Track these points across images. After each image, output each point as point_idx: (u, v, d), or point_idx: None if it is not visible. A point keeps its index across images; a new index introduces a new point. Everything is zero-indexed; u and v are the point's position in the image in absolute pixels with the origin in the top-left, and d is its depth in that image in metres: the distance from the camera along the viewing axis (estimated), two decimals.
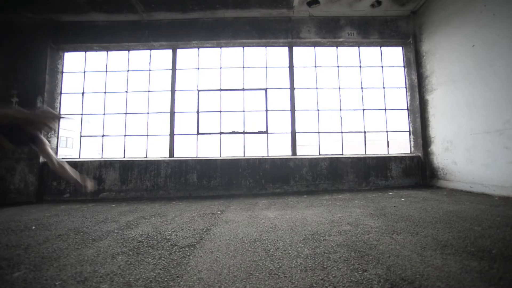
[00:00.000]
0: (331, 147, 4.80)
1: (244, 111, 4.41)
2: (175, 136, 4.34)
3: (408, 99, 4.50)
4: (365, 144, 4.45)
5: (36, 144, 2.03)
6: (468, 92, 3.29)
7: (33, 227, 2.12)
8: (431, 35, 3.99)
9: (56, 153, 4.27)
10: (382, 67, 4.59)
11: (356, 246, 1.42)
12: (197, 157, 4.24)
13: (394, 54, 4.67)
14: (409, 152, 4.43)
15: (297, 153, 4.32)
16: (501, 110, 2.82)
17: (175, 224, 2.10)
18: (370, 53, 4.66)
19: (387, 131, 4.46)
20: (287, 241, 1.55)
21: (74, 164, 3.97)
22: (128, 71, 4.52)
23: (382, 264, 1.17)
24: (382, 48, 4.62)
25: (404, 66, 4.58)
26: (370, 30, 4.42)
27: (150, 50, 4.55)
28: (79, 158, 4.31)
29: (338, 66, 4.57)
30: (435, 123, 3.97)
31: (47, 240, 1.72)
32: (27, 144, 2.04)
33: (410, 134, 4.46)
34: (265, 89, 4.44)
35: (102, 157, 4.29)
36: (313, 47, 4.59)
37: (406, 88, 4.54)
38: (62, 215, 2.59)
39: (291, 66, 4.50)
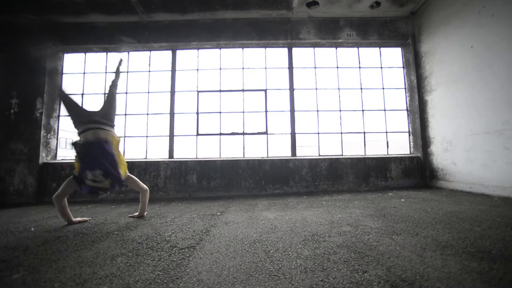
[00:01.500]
0: (330, 148, 4.80)
1: (243, 112, 4.41)
2: (174, 137, 4.34)
3: (408, 100, 4.51)
4: (364, 145, 4.45)
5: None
6: (467, 93, 3.30)
7: (32, 229, 2.11)
8: (430, 36, 4.00)
9: (56, 154, 4.27)
10: (381, 68, 4.60)
11: (356, 247, 1.42)
12: (196, 158, 4.24)
13: (393, 55, 4.68)
14: (408, 152, 4.44)
15: (297, 154, 4.32)
16: (501, 111, 2.82)
17: (174, 225, 2.10)
18: (370, 54, 4.67)
19: (386, 132, 4.46)
20: (287, 242, 1.55)
21: (74, 165, 3.96)
22: (127, 72, 4.52)
23: (382, 265, 1.17)
24: (381, 49, 4.63)
25: (403, 67, 4.59)
26: (369, 31, 4.43)
27: (150, 51, 4.56)
28: None
29: (337, 67, 4.58)
30: (434, 123, 3.98)
31: (46, 242, 1.71)
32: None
33: (409, 135, 4.46)
34: (265, 90, 4.45)
35: None
36: (312, 48, 4.60)
37: (405, 88, 4.55)
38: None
39: (290, 67, 4.51)
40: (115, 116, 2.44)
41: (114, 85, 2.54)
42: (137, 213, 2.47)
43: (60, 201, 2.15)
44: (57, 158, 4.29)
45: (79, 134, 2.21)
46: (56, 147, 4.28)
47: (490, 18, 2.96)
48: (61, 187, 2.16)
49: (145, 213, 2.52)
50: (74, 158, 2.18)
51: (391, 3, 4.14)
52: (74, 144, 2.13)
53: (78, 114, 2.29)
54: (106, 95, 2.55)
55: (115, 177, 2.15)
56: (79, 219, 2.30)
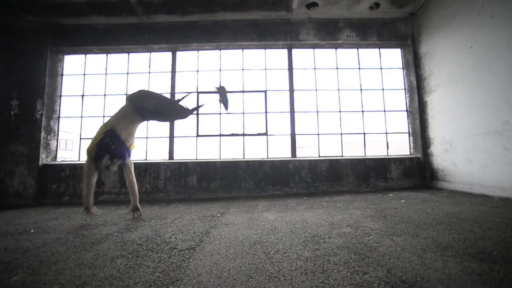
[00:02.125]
0: (330, 149, 4.80)
1: (243, 113, 4.41)
2: (174, 138, 4.34)
3: (407, 101, 4.51)
4: (364, 146, 4.45)
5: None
6: (467, 93, 3.30)
7: (32, 231, 2.11)
8: (430, 37, 4.01)
9: (56, 156, 4.27)
10: (381, 68, 4.60)
11: (356, 248, 1.42)
12: (196, 159, 4.24)
13: (393, 56, 4.69)
14: (408, 153, 4.44)
15: (297, 155, 4.32)
16: (500, 111, 2.82)
17: (174, 226, 2.09)
18: (369, 55, 4.68)
19: (386, 133, 4.46)
20: (287, 244, 1.55)
21: (74, 166, 3.96)
22: (128, 73, 4.53)
23: (383, 266, 1.16)
24: (381, 50, 4.64)
25: (403, 68, 4.59)
26: (369, 32, 4.44)
27: (150, 52, 4.57)
28: (79, 160, 4.30)
29: (337, 68, 4.58)
30: (434, 124, 3.98)
31: (46, 244, 1.71)
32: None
33: (409, 136, 4.46)
34: (265, 91, 4.45)
35: None
36: (312, 49, 4.61)
37: (405, 89, 4.56)
38: (61, 218, 2.58)
39: (290, 68, 4.52)
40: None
41: (178, 114, 2.75)
42: (130, 207, 2.50)
43: (90, 181, 2.25)
44: (57, 160, 4.29)
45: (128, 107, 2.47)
46: (56, 149, 4.28)
47: (489, 19, 2.96)
48: (84, 172, 2.28)
49: (139, 206, 2.54)
50: (93, 140, 2.30)
51: (390, 4, 4.15)
52: (107, 132, 2.28)
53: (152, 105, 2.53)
54: (169, 105, 2.72)
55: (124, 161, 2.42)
56: (94, 210, 2.35)
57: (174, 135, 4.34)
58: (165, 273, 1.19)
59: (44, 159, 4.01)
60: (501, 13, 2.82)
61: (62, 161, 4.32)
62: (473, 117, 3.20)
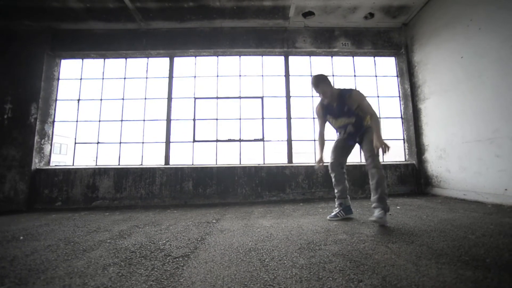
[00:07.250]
0: (327, 155, 4.81)
1: (240, 119, 4.43)
2: (171, 143, 4.32)
3: (402, 108, 4.59)
4: (360, 152, 4.48)
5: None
6: (459, 101, 3.38)
7: (21, 237, 2.05)
8: (422, 46, 4.12)
9: (49, 160, 4.20)
10: (376, 76, 4.69)
11: (351, 255, 1.41)
12: (193, 164, 4.22)
13: (388, 64, 4.80)
14: (404, 160, 4.48)
15: (293, 161, 4.33)
16: (491, 119, 2.89)
17: (169, 233, 2.06)
18: (364, 62, 4.78)
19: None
20: (283, 251, 1.53)
21: (67, 171, 3.90)
22: (125, 78, 4.53)
23: (378, 274, 1.16)
24: (376, 58, 4.74)
25: (397, 76, 4.69)
26: (364, 41, 4.55)
27: (148, 58, 4.59)
28: (73, 165, 4.24)
29: (333, 75, 4.66)
30: (428, 131, 4.05)
31: (35, 251, 1.67)
32: None
33: (404, 142, 4.52)
34: (261, 97, 4.49)
35: (96, 165, 4.23)
36: (308, 57, 4.68)
37: (399, 97, 4.64)
38: (53, 225, 2.52)
39: (287, 75, 4.57)
40: None
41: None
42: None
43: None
44: (51, 164, 4.22)
45: None
46: (50, 153, 4.22)
47: (477, 31, 3.07)
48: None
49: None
50: None
51: (384, 14, 4.27)
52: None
53: None
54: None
55: None
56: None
57: (171, 140, 4.32)
58: (159, 282, 1.16)
59: (37, 163, 3.94)
60: (489, 26, 2.93)
61: (55, 165, 4.26)
62: (466, 124, 3.27)
